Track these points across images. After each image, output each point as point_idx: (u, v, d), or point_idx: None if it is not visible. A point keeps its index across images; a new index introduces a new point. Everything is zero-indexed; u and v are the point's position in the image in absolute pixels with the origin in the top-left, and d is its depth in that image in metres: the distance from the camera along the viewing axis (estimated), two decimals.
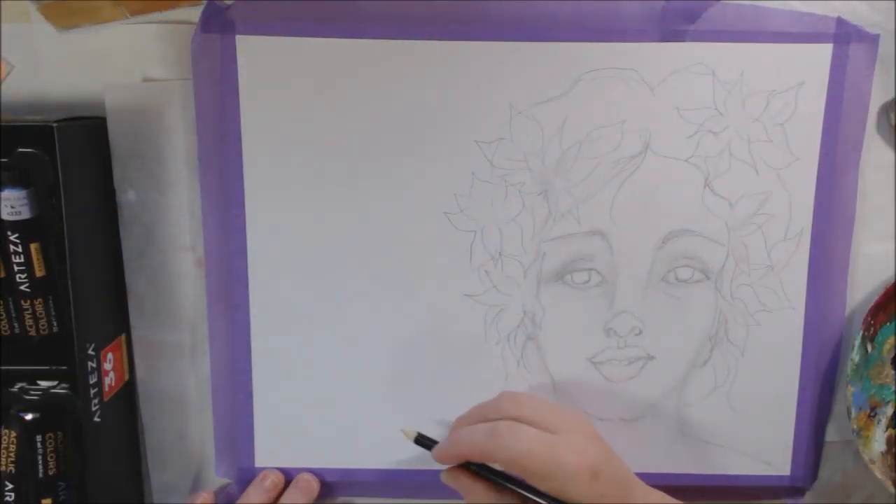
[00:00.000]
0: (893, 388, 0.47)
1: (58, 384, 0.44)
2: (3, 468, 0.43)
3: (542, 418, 0.41)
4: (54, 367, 0.44)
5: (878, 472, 0.47)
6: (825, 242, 0.47)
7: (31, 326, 0.44)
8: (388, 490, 0.49)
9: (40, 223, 0.42)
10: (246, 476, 0.49)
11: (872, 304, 0.47)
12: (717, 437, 0.49)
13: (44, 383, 0.44)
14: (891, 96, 0.46)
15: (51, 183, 0.41)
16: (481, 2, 0.44)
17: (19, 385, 0.44)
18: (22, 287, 0.43)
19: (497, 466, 0.41)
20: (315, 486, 0.49)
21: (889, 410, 0.47)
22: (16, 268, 0.42)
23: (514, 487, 0.41)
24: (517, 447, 0.39)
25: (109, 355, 0.46)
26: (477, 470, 0.42)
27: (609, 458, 0.41)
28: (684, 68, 0.45)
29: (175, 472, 0.50)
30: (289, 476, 0.49)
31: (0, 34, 0.44)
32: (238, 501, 0.48)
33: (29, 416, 0.43)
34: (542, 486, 0.40)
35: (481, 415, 0.43)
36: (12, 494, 0.43)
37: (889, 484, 0.47)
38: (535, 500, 0.40)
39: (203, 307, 0.47)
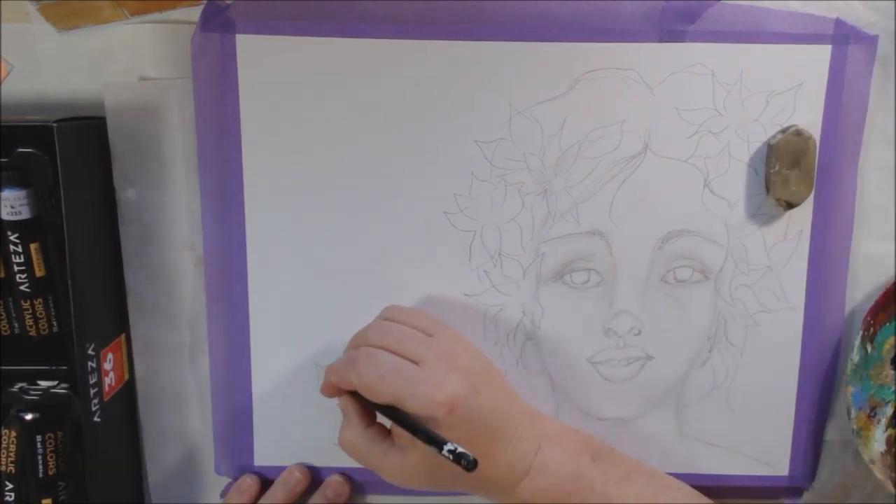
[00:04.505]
0: (893, 388, 0.47)
1: (58, 384, 0.44)
2: (3, 468, 0.43)
3: (407, 347, 0.41)
4: (54, 367, 0.44)
5: (878, 472, 0.47)
6: (824, 242, 0.47)
7: (31, 326, 0.44)
8: (389, 489, 0.49)
9: (40, 223, 0.42)
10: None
11: (872, 304, 0.47)
12: (717, 437, 0.49)
13: (44, 383, 0.44)
14: (890, 97, 0.46)
15: (51, 183, 0.41)
16: (481, 2, 0.44)
17: (19, 385, 0.44)
18: (22, 287, 0.43)
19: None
20: (346, 489, 0.49)
21: (889, 410, 0.47)
22: (16, 268, 0.42)
23: (383, 412, 0.41)
24: (369, 374, 0.39)
25: (109, 355, 0.46)
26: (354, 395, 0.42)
27: (476, 389, 0.40)
28: (684, 69, 0.45)
29: (175, 471, 0.50)
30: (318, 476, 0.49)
31: (0, 34, 0.44)
32: (262, 500, 0.48)
33: (29, 416, 0.43)
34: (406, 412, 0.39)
35: (356, 341, 0.44)
36: (12, 494, 0.43)
37: (889, 484, 0.47)
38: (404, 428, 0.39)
39: (203, 306, 0.47)
